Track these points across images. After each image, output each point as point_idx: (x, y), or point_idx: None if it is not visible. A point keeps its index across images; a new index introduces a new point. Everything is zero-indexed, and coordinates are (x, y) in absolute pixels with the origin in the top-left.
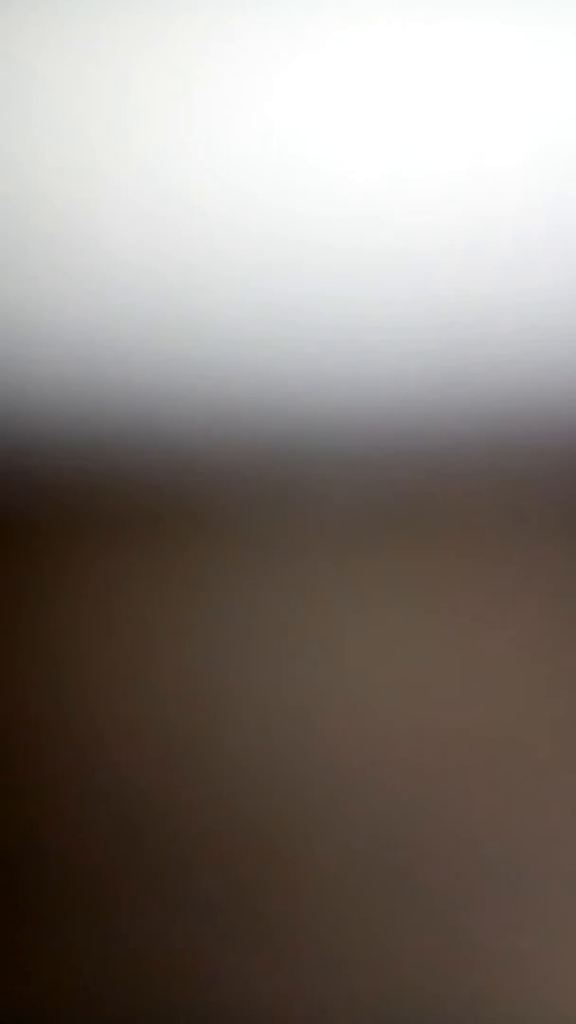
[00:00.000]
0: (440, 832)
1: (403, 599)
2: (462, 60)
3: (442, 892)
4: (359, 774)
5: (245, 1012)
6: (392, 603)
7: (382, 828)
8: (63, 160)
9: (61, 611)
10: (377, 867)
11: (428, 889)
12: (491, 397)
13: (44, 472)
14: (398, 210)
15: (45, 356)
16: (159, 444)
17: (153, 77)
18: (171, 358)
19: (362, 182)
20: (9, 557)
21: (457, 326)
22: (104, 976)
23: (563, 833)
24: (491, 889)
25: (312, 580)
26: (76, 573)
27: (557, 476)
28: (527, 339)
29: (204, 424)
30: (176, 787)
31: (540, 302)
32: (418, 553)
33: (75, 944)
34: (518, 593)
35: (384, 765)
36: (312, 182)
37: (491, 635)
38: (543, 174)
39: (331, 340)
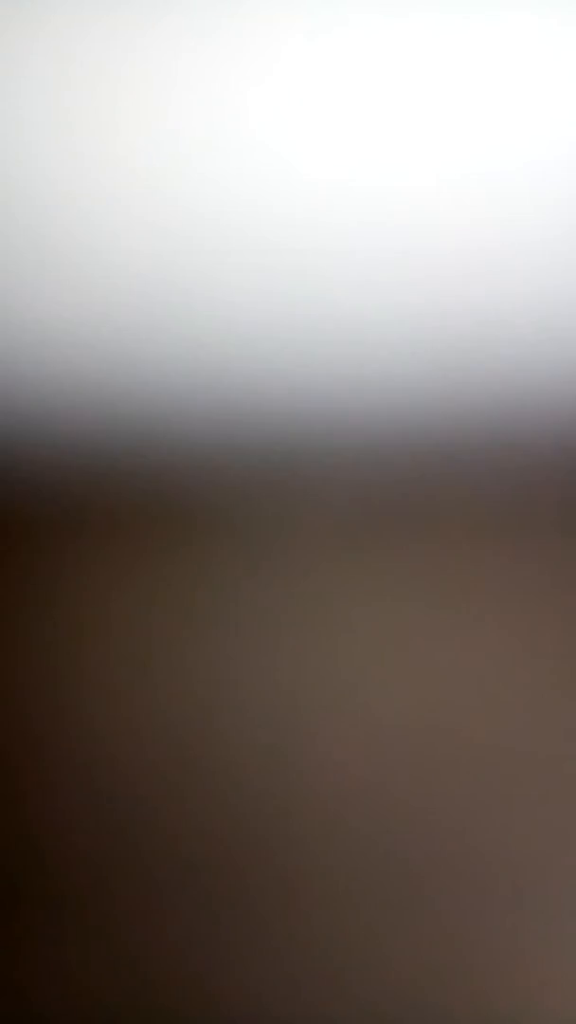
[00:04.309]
0: (440, 831)
1: (403, 599)
2: (463, 62)
3: (442, 892)
4: (359, 773)
5: (245, 1013)
6: (392, 603)
7: (382, 827)
8: (61, 166)
9: (61, 611)
10: (377, 866)
11: (428, 889)
12: (491, 398)
13: (44, 472)
14: (399, 214)
15: (45, 357)
16: (159, 444)
17: (152, 81)
18: (171, 359)
19: (363, 186)
20: (9, 557)
21: (457, 328)
22: (104, 977)
23: (564, 832)
24: (491, 889)
25: (312, 580)
26: (76, 573)
27: (557, 476)
28: (527, 341)
29: (204, 424)
30: (176, 786)
31: (541, 304)
32: (418, 553)
33: (75, 944)
34: (518, 592)
35: (385, 764)
36: (313, 186)
37: (491, 635)
38: (546, 177)
39: (332, 341)
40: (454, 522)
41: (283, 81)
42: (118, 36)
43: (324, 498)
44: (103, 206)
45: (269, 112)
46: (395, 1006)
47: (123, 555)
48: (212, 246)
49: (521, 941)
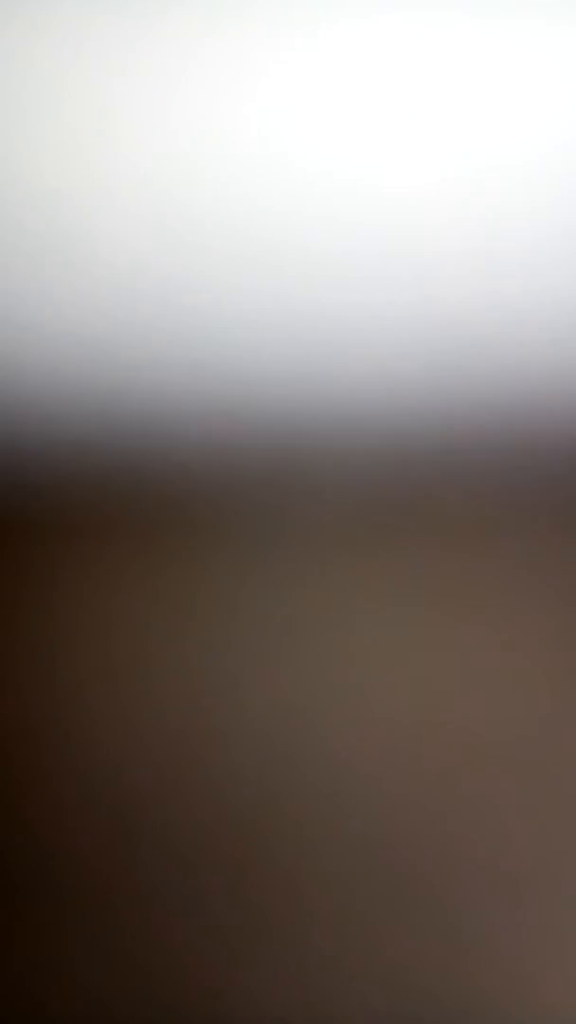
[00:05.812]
0: (441, 831)
1: (403, 599)
2: (463, 59)
3: (442, 892)
4: (360, 773)
5: (245, 1011)
6: (392, 603)
7: (382, 827)
8: (59, 165)
9: (61, 611)
10: (377, 866)
11: (429, 889)
12: (491, 398)
13: (44, 472)
14: (399, 213)
15: (45, 357)
16: (159, 444)
17: (149, 80)
18: (170, 359)
19: (362, 185)
20: (9, 557)
21: (457, 327)
22: (104, 976)
23: (563, 833)
24: (491, 888)
25: (312, 580)
26: (76, 573)
27: (557, 477)
28: (527, 340)
29: (204, 424)
30: (176, 787)
31: (541, 303)
32: (418, 553)
33: (75, 944)
34: (518, 593)
35: (385, 764)
36: (311, 184)
37: (491, 635)
38: (547, 175)
39: (331, 340)
40: (454, 522)
41: (283, 81)
42: (119, 36)
43: (324, 498)
44: (104, 206)
45: (270, 112)
46: (396, 1004)
47: (123, 555)
48: (212, 246)
49: (522, 938)
